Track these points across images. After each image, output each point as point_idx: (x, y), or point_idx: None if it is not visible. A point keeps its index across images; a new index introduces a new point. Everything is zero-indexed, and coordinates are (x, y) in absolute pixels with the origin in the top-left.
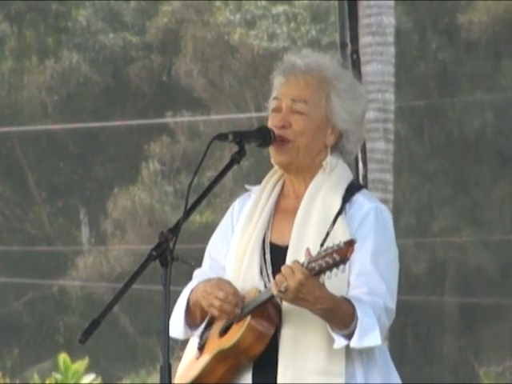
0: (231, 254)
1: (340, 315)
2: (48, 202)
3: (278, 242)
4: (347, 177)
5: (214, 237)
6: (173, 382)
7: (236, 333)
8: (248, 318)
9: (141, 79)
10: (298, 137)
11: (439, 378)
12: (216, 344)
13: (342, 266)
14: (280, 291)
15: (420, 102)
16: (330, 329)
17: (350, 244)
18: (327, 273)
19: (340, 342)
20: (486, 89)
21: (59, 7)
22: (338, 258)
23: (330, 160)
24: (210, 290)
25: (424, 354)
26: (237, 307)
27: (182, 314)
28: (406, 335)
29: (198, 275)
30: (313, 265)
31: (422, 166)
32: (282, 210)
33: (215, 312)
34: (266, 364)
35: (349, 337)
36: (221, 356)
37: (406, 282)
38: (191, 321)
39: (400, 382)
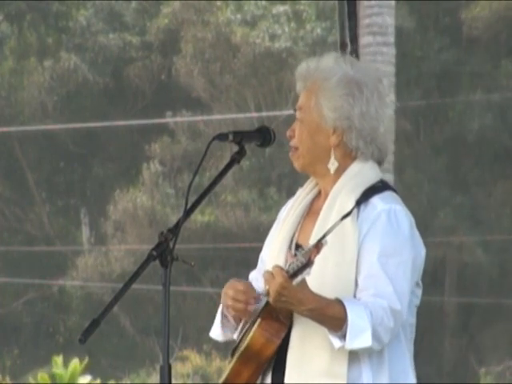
0: (268, 256)
1: (330, 316)
2: (48, 202)
3: (302, 242)
4: (370, 179)
5: (266, 239)
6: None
7: (249, 336)
8: (258, 321)
9: (141, 79)
10: (299, 143)
11: (439, 378)
12: (240, 348)
13: (308, 269)
14: (263, 295)
15: (421, 102)
16: (327, 330)
17: (316, 247)
18: (299, 275)
19: (336, 343)
20: (486, 89)
21: (59, 7)
22: (304, 260)
23: (334, 161)
24: (225, 290)
25: (424, 353)
26: (248, 304)
27: (219, 316)
28: None
29: (250, 278)
30: (288, 267)
31: (422, 165)
32: (313, 211)
33: (230, 312)
34: (284, 364)
35: (344, 338)
36: (242, 359)
37: None
38: (228, 323)
39: (414, 382)
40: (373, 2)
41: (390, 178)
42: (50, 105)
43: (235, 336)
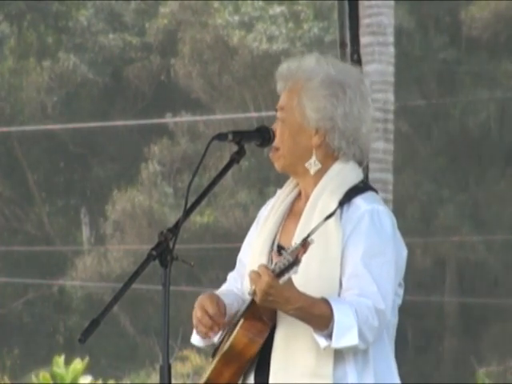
0: (249, 257)
1: (317, 315)
2: (48, 202)
3: (284, 243)
4: (351, 179)
5: (245, 240)
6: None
7: (232, 336)
8: (241, 321)
9: (140, 80)
10: (280, 143)
11: (439, 378)
12: (223, 348)
13: (295, 268)
14: (250, 294)
15: (421, 102)
16: (312, 330)
17: (303, 245)
18: (286, 274)
19: (322, 342)
20: (486, 88)
21: (59, 7)
22: (290, 259)
23: (314, 161)
24: (195, 306)
25: (424, 353)
26: (211, 330)
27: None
28: (406, 335)
29: (229, 278)
30: (274, 266)
31: (422, 165)
32: (294, 212)
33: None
34: (267, 364)
35: (330, 337)
36: (224, 359)
37: (407, 282)
38: None
39: (398, 381)
40: (372, 2)
41: (389, 178)
42: (50, 105)
43: (216, 339)
